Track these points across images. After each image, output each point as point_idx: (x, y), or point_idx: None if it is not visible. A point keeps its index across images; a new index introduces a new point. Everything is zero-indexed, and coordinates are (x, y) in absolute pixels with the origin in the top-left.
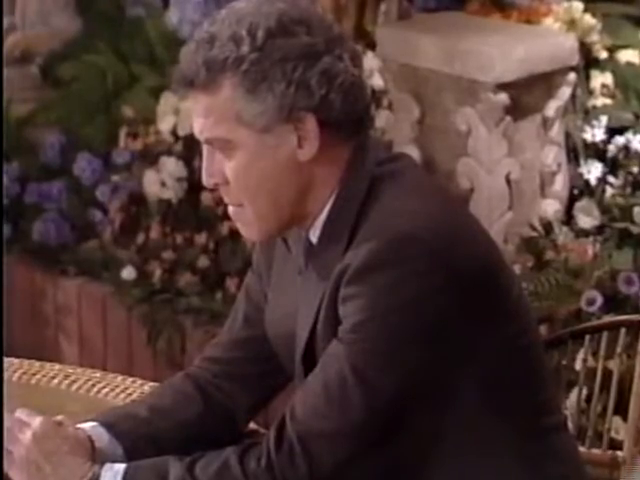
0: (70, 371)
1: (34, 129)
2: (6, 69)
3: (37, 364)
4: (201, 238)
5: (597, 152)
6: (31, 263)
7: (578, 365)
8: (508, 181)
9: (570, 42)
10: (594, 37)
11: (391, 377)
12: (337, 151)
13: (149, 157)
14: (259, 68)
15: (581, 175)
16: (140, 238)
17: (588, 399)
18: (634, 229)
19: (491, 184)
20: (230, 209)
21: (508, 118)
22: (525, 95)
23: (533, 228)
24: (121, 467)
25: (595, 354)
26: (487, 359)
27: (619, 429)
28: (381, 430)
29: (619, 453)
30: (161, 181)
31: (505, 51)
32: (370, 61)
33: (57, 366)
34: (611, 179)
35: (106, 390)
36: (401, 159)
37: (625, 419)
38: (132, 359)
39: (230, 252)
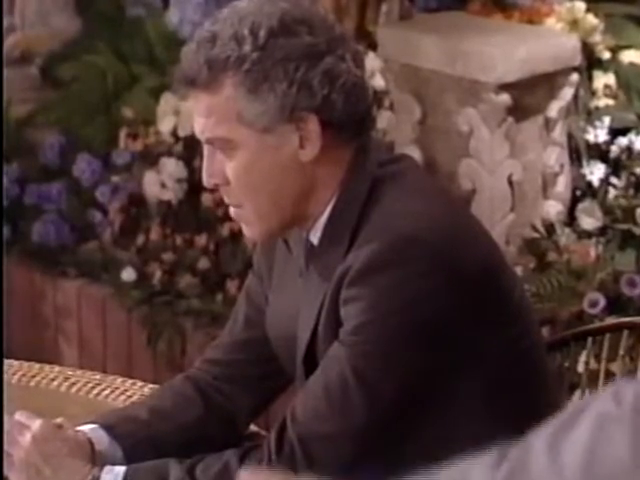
0: (70, 373)
1: (34, 130)
2: (5, 69)
3: (36, 366)
4: (201, 239)
5: (600, 153)
6: (30, 264)
7: (580, 367)
8: (510, 182)
9: (572, 42)
10: (597, 37)
11: (392, 379)
12: (339, 152)
13: (149, 158)
14: (261, 68)
15: (584, 176)
16: (140, 239)
17: None
18: (637, 230)
19: (493, 185)
20: (233, 211)
21: (510, 119)
22: (527, 96)
23: (535, 229)
24: (121, 469)
25: (598, 356)
26: (489, 361)
27: None
28: (382, 432)
29: None
30: (161, 182)
31: (507, 51)
32: (371, 61)
33: (57, 368)
34: (614, 180)
35: (106, 392)
36: (403, 160)
37: None
38: (132, 361)
39: (230, 254)
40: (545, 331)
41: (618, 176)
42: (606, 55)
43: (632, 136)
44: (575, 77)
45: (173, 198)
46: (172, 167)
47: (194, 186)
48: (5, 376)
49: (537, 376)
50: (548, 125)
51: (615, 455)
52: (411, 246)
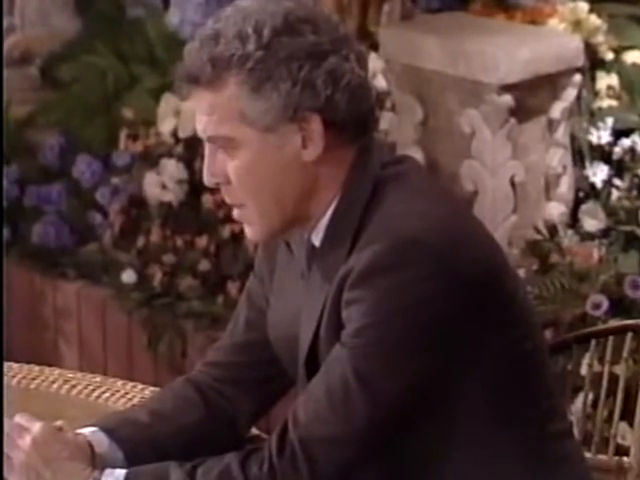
0: (70, 375)
1: (33, 131)
2: (5, 70)
3: (36, 368)
4: (202, 241)
5: (603, 154)
6: (30, 266)
7: (584, 370)
8: (512, 184)
9: (575, 43)
10: (600, 38)
11: (394, 382)
12: (341, 152)
13: (149, 159)
14: (264, 66)
15: (586, 178)
16: (140, 241)
17: (594, 404)
18: None
19: (495, 186)
20: (235, 211)
21: (512, 120)
22: (530, 97)
23: (538, 231)
24: (121, 472)
25: (601, 359)
26: (491, 363)
27: (625, 435)
28: (384, 435)
29: (625, 459)
30: (162, 183)
31: (509, 52)
32: (373, 62)
33: (57, 370)
34: (617, 182)
35: (106, 395)
36: (405, 161)
37: (631, 425)
38: (132, 363)
39: (231, 255)
40: (548, 333)
41: (621, 177)
42: (609, 56)
43: (635, 137)
44: (578, 78)
45: (173, 199)
46: (172, 168)
47: (195, 187)
48: (5, 378)
49: (539, 379)
50: (551, 126)
51: None
52: (413, 248)
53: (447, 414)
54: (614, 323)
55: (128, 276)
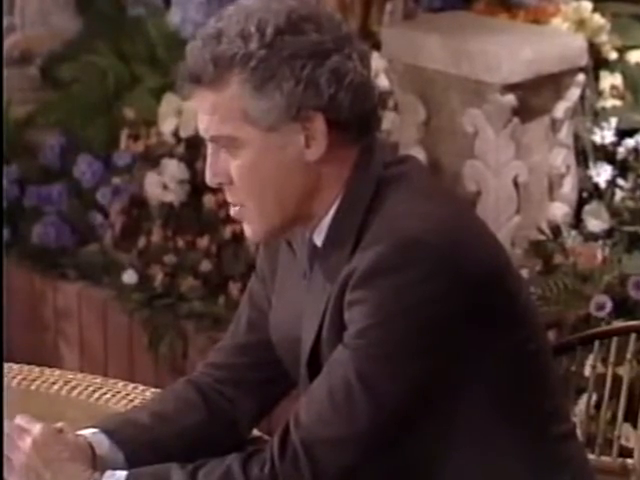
0: (70, 377)
1: (34, 131)
2: (5, 69)
3: (37, 370)
4: (203, 242)
5: (606, 154)
6: (30, 267)
7: (587, 371)
8: (516, 184)
9: (579, 42)
10: (603, 37)
11: (397, 383)
12: (344, 152)
13: (150, 159)
14: (267, 65)
15: (590, 178)
16: (141, 241)
17: (597, 406)
18: None
19: (498, 187)
20: (233, 209)
21: (516, 120)
22: (533, 96)
23: (541, 232)
24: (122, 474)
25: (604, 360)
26: (494, 364)
27: (629, 436)
28: (386, 436)
29: (629, 461)
30: (163, 184)
31: (512, 51)
32: (375, 61)
33: (57, 372)
34: (621, 182)
35: (107, 396)
36: (408, 161)
37: (635, 426)
38: (133, 365)
39: (233, 256)
40: (551, 334)
41: (625, 178)
42: (613, 55)
43: (639, 137)
44: (581, 77)
45: (175, 200)
46: (174, 168)
47: (196, 188)
48: (5, 379)
49: (543, 380)
50: (554, 126)
51: None
52: (416, 249)
53: (449, 415)
54: (618, 324)
55: (129, 277)
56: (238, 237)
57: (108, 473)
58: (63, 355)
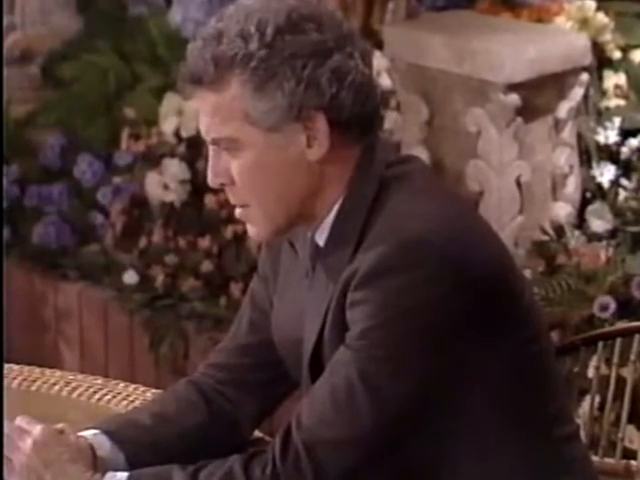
0: (71, 378)
1: (34, 130)
2: (6, 69)
3: (37, 370)
4: (205, 242)
5: (610, 154)
6: (31, 267)
7: (591, 372)
8: (519, 184)
9: (582, 42)
10: (607, 36)
11: (399, 383)
12: (346, 151)
13: (151, 159)
14: (268, 65)
15: (593, 178)
16: (142, 242)
17: (601, 407)
18: None
19: (501, 187)
20: (238, 210)
21: (519, 119)
22: (536, 96)
23: (544, 232)
24: (123, 475)
25: (608, 361)
26: (497, 365)
27: (633, 438)
28: (389, 437)
29: (633, 462)
30: (164, 183)
31: (516, 51)
32: (377, 61)
33: (58, 372)
34: (624, 182)
35: (108, 397)
36: (410, 161)
37: (639, 428)
38: (134, 365)
39: (234, 256)
40: (555, 335)
41: (629, 178)
42: (617, 54)
43: None
44: (585, 77)
45: (176, 200)
46: (175, 168)
47: (197, 187)
48: (5, 380)
49: (546, 381)
50: (557, 126)
51: None
52: (419, 249)
53: (451, 416)
54: (621, 325)
55: (130, 277)
56: (239, 237)
57: (109, 474)
58: (64, 356)
